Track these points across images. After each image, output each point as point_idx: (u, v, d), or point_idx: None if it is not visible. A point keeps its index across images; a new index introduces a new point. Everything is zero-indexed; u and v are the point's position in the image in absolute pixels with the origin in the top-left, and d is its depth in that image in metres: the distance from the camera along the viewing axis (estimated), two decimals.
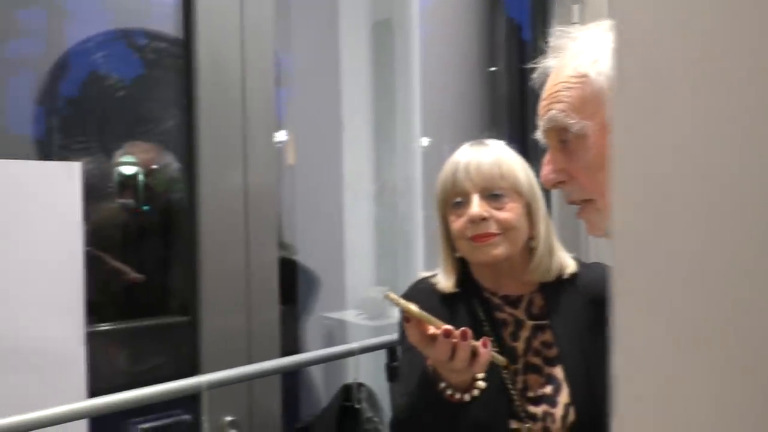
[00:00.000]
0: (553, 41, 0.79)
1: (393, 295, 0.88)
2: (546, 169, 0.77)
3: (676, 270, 0.20)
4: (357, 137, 2.05)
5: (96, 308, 1.29)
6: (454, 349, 0.87)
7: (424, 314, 0.88)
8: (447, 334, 0.86)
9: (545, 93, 0.77)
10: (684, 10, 0.19)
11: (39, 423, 0.97)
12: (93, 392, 1.17)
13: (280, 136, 1.81)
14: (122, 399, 1.07)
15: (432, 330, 0.88)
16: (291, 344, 1.75)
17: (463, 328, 0.88)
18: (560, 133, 0.74)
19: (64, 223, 1.17)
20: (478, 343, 0.89)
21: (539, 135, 0.80)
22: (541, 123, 0.77)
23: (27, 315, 1.13)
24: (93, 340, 1.22)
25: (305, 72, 1.99)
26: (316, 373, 1.90)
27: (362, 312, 1.98)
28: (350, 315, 2.00)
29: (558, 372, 1.04)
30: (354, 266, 2.03)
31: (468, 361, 0.88)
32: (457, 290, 1.12)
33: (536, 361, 1.06)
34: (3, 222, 1.11)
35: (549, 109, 0.74)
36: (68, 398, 1.07)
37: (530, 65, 0.83)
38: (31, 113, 1.36)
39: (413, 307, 0.88)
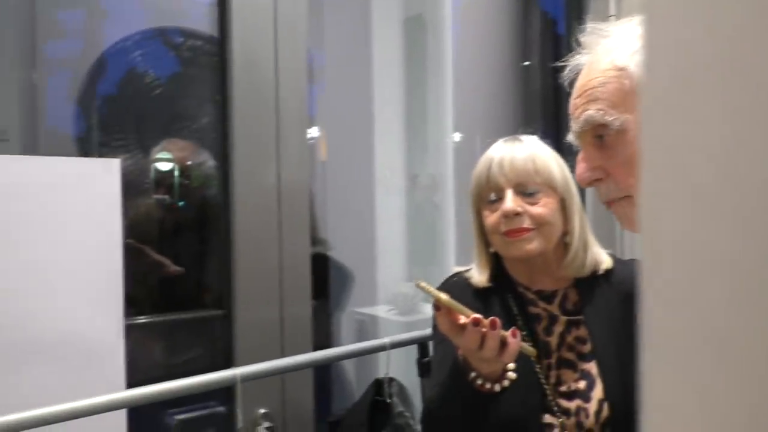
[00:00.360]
0: (583, 38, 0.77)
1: (424, 284, 0.89)
2: (581, 167, 0.76)
3: (705, 267, 0.21)
4: (389, 133, 2.06)
5: (134, 301, 1.32)
6: (483, 338, 0.88)
7: (454, 303, 0.88)
8: (476, 323, 0.87)
9: (577, 91, 0.75)
10: (713, 7, 0.19)
11: (80, 412, 1.00)
12: (131, 383, 1.20)
13: (313, 132, 1.82)
14: (159, 390, 1.09)
15: (462, 319, 0.89)
16: (323, 339, 1.77)
17: (492, 318, 0.88)
18: (597, 129, 0.73)
19: (103, 218, 1.20)
20: (508, 333, 0.90)
21: (571, 137, 0.78)
22: (576, 124, 0.75)
23: (68, 307, 1.16)
24: (131, 333, 1.25)
25: (337, 68, 2.00)
26: (348, 367, 1.91)
27: (393, 307, 1.99)
28: (382, 310, 2.01)
29: (592, 368, 1.04)
30: (385, 262, 2.04)
31: (497, 350, 0.88)
32: (490, 285, 1.12)
33: (570, 356, 1.06)
34: (45, 217, 1.14)
35: (585, 110, 0.73)
36: (108, 389, 1.11)
37: (560, 63, 0.82)
38: (71, 111, 1.40)
39: (443, 296, 0.88)
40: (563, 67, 0.82)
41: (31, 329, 1.12)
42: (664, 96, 0.20)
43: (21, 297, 1.11)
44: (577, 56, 0.79)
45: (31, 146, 1.33)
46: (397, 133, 2.09)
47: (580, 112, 0.74)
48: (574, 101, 0.76)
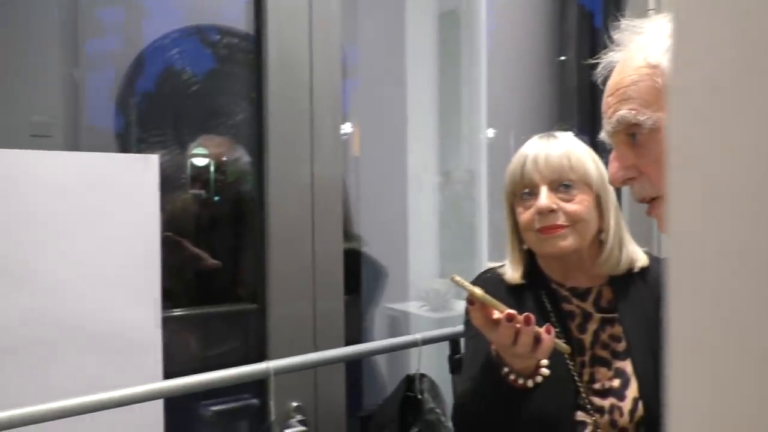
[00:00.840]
0: (617, 34, 0.77)
1: (459, 278, 0.89)
2: (613, 166, 0.75)
3: (731, 267, 0.21)
4: (422, 129, 2.06)
5: (170, 294, 1.35)
6: (517, 334, 0.88)
7: (488, 298, 0.89)
8: (510, 318, 0.87)
9: (610, 89, 0.75)
10: (742, 12, 0.19)
11: (119, 402, 1.03)
12: (167, 375, 1.23)
13: (346, 128, 1.84)
14: (195, 382, 1.12)
15: (496, 314, 0.89)
16: (355, 334, 1.78)
17: (526, 314, 0.88)
18: (629, 129, 0.72)
19: (142, 213, 1.23)
20: (541, 330, 0.90)
21: (604, 135, 0.78)
22: (608, 124, 0.75)
23: (108, 299, 1.19)
24: (167, 325, 1.28)
25: (371, 64, 2.01)
26: (379, 362, 1.92)
27: (425, 304, 1.99)
28: (413, 306, 2.02)
29: (627, 366, 1.04)
30: (418, 258, 2.04)
31: (530, 346, 0.88)
32: (524, 282, 1.13)
33: (604, 354, 1.06)
34: (86, 211, 1.18)
35: (617, 109, 0.72)
36: (146, 379, 1.14)
37: (593, 60, 0.81)
38: (111, 108, 1.43)
39: (478, 290, 0.89)
40: (599, 63, 0.81)
41: (73, 320, 1.15)
42: (692, 99, 0.21)
43: (63, 289, 1.15)
44: (611, 53, 0.78)
45: (73, 142, 1.37)
46: (430, 129, 2.09)
47: (613, 111, 0.73)
48: (606, 99, 0.75)
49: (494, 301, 0.89)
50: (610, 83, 0.75)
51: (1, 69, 1.28)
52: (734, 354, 0.21)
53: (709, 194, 0.21)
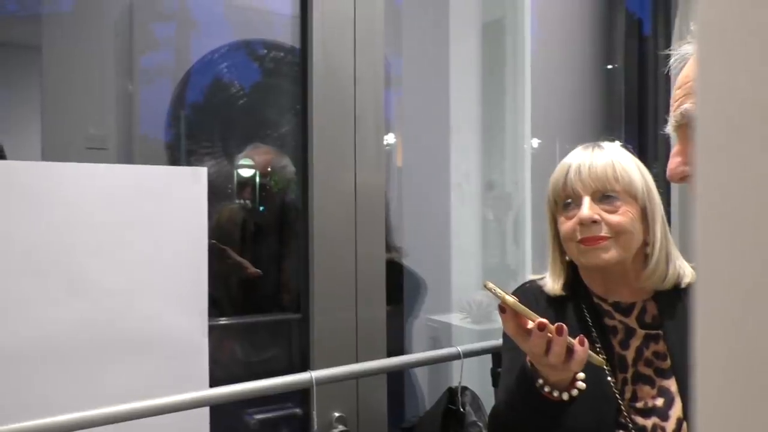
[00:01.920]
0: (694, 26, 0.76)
1: (491, 285, 0.89)
2: (674, 161, 0.74)
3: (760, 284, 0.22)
4: (465, 139, 2.06)
5: (216, 303, 1.38)
6: (549, 344, 0.87)
7: (520, 306, 0.88)
8: (541, 327, 0.87)
9: (679, 82, 0.73)
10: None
11: (166, 408, 1.07)
12: (213, 382, 1.26)
13: (389, 138, 1.85)
14: (240, 390, 1.15)
15: (529, 323, 0.89)
16: (397, 345, 1.79)
17: (558, 323, 0.88)
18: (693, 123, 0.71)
19: (191, 223, 1.27)
20: (575, 341, 0.89)
21: (668, 128, 0.77)
22: (673, 117, 0.73)
23: (158, 308, 1.23)
24: (212, 333, 1.31)
25: (414, 73, 2.02)
26: (421, 374, 1.92)
27: (468, 316, 1.99)
28: (455, 318, 2.01)
29: (671, 385, 1.02)
30: (460, 269, 2.04)
31: (563, 357, 0.87)
32: (564, 294, 1.12)
33: (647, 371, 1.04)
34: (137, 222, 1.22)
35: (682, 103, 0.71)
36: (193, 387, 1.17)
37: (667, 51, 0.80)
38: (162, 120, 1.48)
39: (510, 298, 0.88)
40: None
41: (122, 328, 1.19)
42: (718, 140, 0.22)
43: (114, 297, 1.19)
44: (686, 45, 0.77)
45: (126, 153, 1.42)
46: (473, 139, 2.08)
47: (678, 104, 0.72)
48: (674, 92, 0.74)
49: (526, 310, 0.88)
50: (680, 76, 0.74)
51: (59, 83, 1.34)
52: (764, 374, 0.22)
53: (736, 207, 0.22)
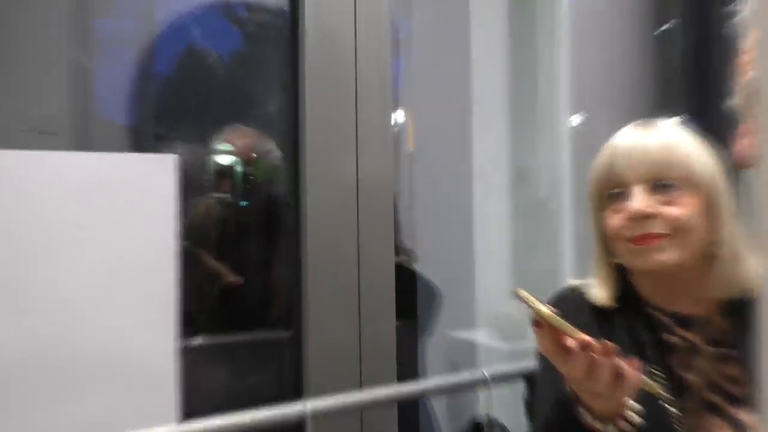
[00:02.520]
0: None
1: (524, 293, 0.88)
2: (743, 142, 0.72)
3: None
4: (490, 117, 2.05)
5: (189, 319, 1.36)
6: (592, 366, 0.86)
7: (558, 319, 0.87)
8: (584, 346, 0.85)
9: (749, 44, 0.72)
10: None
11: None
12: (187, 414, 1.24)
13: (398, 117, 1.85)
14: (218, 425, 1.14)
15: (568, 341, 0.87)
16: (409, 368, 1.79)
17: (604, 342, 0.86)
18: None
19: (158, 223, 1.25)
20: (625, 363, 0.87)
21: (736, 101, 0.75)
22: (739, 87, 0.72)
23: (119, 326, 1.22)
24: (186, 356, 1.29)
25: (428, 40, 2.02)
26: (440, 404, 1.92)
27: (496, 332, 1.98)
28: (481, 335, 2.02)
29: (745, 415, 1.00)
30: (486, 275, 2.04)
31: (610, 383, 0.86)
32: (614, 304, 1.11)
33: (716, 399, 1.02)
34: (94, 221, 1.20)
35: (752, 71, 0.70)
36: (158, 419, 1.16)
37: (733, 7, 0.78)
38: (124, 98, 1.48)
39: (545, 309, 0.87)
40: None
41: (74, 351, 1.18)
42: None
43: (66, 311, 1.18)
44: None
45: (81, 139, 1.42)
46: (500, 117, 2.08)
47: (747, 73, 0.70)
48: (742, 58, 0.72)
49: (566, 324, 0.87)
50: (749, 38, 0.72)
51: None
52: None
53: None
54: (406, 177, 1.93)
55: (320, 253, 1.45)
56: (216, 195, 1.53)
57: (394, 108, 1.63)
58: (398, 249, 1.60)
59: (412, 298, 1.85)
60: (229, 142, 1.52)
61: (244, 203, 1.55)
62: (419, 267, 1.87)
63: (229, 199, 1.54)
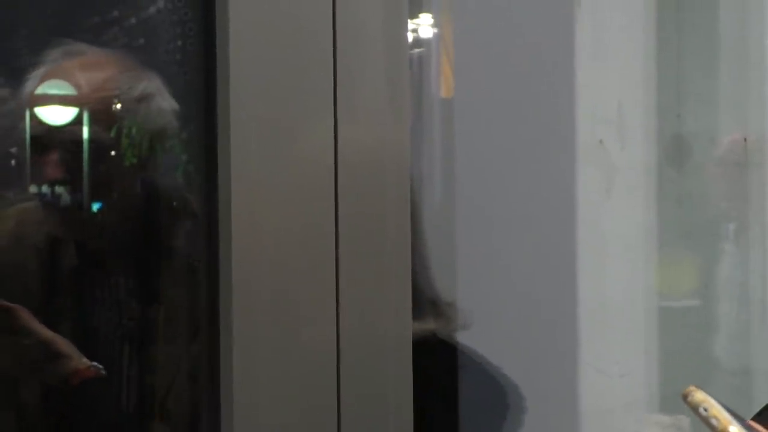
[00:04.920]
0: None
1: (701, 395, 0.94)
2: None
3: None
4: (613, 34, 2.09)
5: None
6: None
7: None
8: None
9: None
10: None
11: None
12: None
13: (422, 31, 1.88)
14: None
15: None
16: None
17: None
18: None
19: None
20: None
21: None
22: None
23: None
24: None
25: None
26: None
27: None
28: None
29: None
30: (604, 352, 2.08)
31: None
32: None
33: None
34: None
35: None
36: None
37: None
38: None
39: (736, 428, 0.93)
40: None
41: None
42: None
43: None
44: None
45: None
46: (630, 48, 2.14)
47: None
48: None
49: None
50: None
51: None
52: None
53: None
54: (437, 150, 1.93)
55: (257, 311, 1.44)
56: (37, 192, 1.53)
57: (413, 13, 1.62)
58: (424, 299, 1.62)
59: (450, 405, 1.85)
60: (61, 80, 1.52)
61: (96, 205, 1.55)
62: (468, 339, 1.86)
63: (64, 201, 1.53)
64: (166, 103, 1.55)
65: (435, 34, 1.94)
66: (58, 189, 1.54)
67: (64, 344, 1.52)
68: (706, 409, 0.93)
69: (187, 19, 1.51)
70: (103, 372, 1.54)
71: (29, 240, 1.55)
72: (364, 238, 1.50)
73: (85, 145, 1.51)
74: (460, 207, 1.96)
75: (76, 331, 1.57)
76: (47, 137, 1.51)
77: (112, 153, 1.54)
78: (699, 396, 0.94)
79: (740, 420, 0.95)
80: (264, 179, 1.44)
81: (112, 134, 1.54)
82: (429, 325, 1.74)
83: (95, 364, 1.53)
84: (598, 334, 2.11)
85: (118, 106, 1.55)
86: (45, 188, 1.52)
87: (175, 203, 1.61)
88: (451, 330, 1.86)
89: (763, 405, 1.38)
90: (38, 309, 1.49)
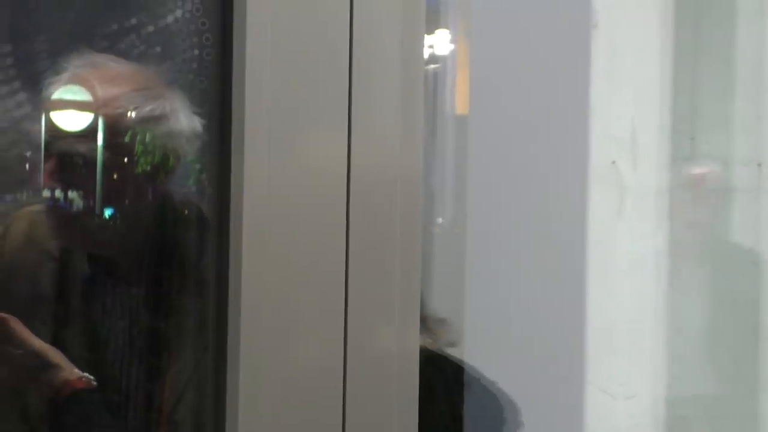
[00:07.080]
0: None
1: None
2: None
3: None
4: (624, 52, 2.08)
5: None
6: None
7: None
8: None
9: None
10: None
11: None
12: None
13: (440, 47, 1.86)
14: None
15: None
16: None
17: None
18: None
19: None
20: None
21: None
22: None
23: None
24: None
25: None
26: None
27: None
28: None
29: None
30: (606, 374, 2.07)
31: None
32: None
33: None
34: None
35: None
36: None
37: None
38: None
39: None
40: None
41: None
42: None
43: None
44: None
45: None
46: (645, 70, 2.13)
47: None
48: None
49: None
50: None
51: None
52: None
53: None
54: (450, 166, 1.92)
55: (265, 323, 1.43)
56: (47, 197, 1.52)
57: (430, 30, 1.59)
58: (429, 322, 1.63)
59: (455, 423, 1.85)
60: (76, 86, 1.51)
61: (107, 213, 1.53)
62: (471, 358, 1.85)
63: (76, 208, 1.52)
64: (181, 112, 1.55)
65: (451, 51, 1.94)
66: (95, 201, 1.54)
67: (55, 355, 1.53)
68: None
69: (204, 29, 1.52)
70: (94, 383, 1.54)
71: (36, 245, 1.56)
72: (374, 252, 1.50)
73: (99, 152, 1.51)
74: (471, 223, 1.96)
75: (79, 339, 1.58)
76: (61, 141, 1.51)
77: (125, 160, 1.54)
78: None
79: None
80: (277, 192, 1.44)
81: (126, 141, 1.54)
82: (432, 340, 1.77)
83: (86, 375, 1.53)
84: (605, 355, 2.11)
85: (133, 114, 1.55)
86: (58, 194, 1.52)
87: (186, 212, 1.60)
88: (438, 346, 1.86)
89: None
90: (41, 314, 1.52)
